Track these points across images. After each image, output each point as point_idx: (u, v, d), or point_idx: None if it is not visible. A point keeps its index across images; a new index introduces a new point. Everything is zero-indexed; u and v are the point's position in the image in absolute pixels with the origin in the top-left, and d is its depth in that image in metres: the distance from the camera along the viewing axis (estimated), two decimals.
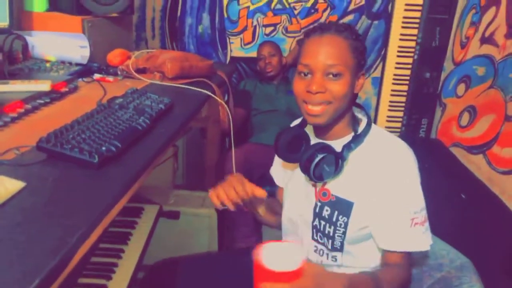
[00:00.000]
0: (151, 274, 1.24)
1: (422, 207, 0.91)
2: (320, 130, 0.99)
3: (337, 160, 0.89)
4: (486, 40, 2.05)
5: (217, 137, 1.96)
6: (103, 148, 0.81)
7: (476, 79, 2.11)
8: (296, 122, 1.09)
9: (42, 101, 1.08)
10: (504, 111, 1.82)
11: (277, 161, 1.14)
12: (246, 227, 2.02)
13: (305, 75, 0.90)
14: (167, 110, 1.14)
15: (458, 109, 2.26)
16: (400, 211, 0.89)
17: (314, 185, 0.98)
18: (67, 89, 1.21)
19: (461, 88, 2.27)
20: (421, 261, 1.04)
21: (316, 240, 1.00)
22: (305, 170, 0.91)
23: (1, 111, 0.97)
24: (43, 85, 1.12)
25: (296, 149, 0.99)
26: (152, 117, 1.03)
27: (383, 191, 0.90)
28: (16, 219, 0.61)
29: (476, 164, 2.01)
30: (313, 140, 1.00)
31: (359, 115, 1.01)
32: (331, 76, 0.88)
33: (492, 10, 2.01)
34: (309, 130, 1.03)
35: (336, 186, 0.95)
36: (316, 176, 0.90)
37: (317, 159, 0.88)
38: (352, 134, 0.96)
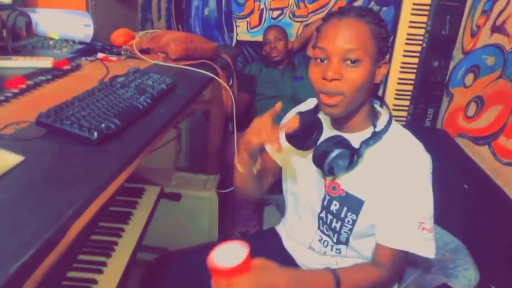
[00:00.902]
0: (151, 270, 1.24)
1: (431, 216, 0.88)
2: (337, 121, 0.94)
3: (353, 156, 0.86)
4: (497, 29, 2.01)
5: (220, 121, 1.95)
6: (103, 125, 0.81)
7: (485, 69, 2.08)
8: (307, 105, 1.04)
9: (44, 78, 1.07)
10: None
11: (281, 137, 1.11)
12: (246, 211, 2.03)
13: (321, 60, 0.85)
14: (169, 90, 1.13)
15: (466, 99, 2.23)
16: (409, 213, 0.87)
17: (324, 177, 0.95)
18: (69, 67, 1.20)
19: (469, 78, 2.24)
20: None
21: (322, 231, 0.99)
22: (318, 163, 0.88)
23: (2, 87, 0.96)
24: (45, 62, 1.12)
25: (307, 136, 0.93)
26: (154, 97, 1.02)
27: (396, 192, 0.87)
28: (13, 192, 0.61)
29: (481, 155, 1.99)
30: (328, 130, 0.96)
31: (378, 107, 0.96)
32: (349, 62, 0.82)
33: None
34: (324, 117, 0.97)
35: (347, 181, 0.92)
36: (330, 172, 0.87)
37: (333, 155, 0.84)
38: (370, 128, 0.91)
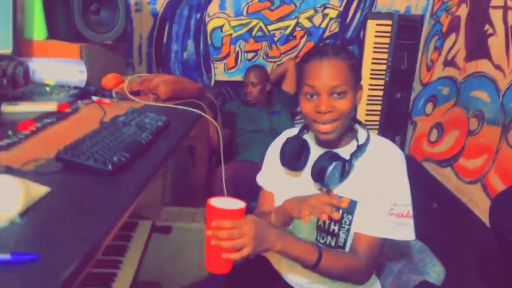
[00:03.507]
0: None
1: (404, 203, 1.00)
2: (326, 141, 1.07)
3: (345, 167, 0.99)
4: (449, 63, 2.26)
5: (205, 155, 2.06)
6: (115, 158, 0.91)
7: (442, 98, 2.32)
8: (289, 133, 1.17)
9: (49, 120, 1.17)
10: (467, 126, 2.01)
11: (268, 168, 1.20)
12: None
13: (311, 96, 1.00)
14: (165, 127, 1.25)
15: (428, 126, 2.45)
16: (381, 200, 0.99)
17: (320, 189, 1.06)
18: (70, 110, 1.31)
19: (429, 107, 2.47)
20: (387, 251, 1.16)
21: (318, 241, 1.08)
22: (318, 178, 1.00)
23: (15, 129, 1.06)
24: (51, 106, 1.22)
25: (297, 157, 1.07)
26: (153, 133, 1.14)
27: (376, 185, 1.00)
28: (49, 217, 0.70)
29: (445, 176, 2.18)
30: (315, 148, 1.09)
31: (353, 125, 1.11)
32: (335, 95, 0.98)
33: (453, 36, 2.24)
34: (309, 138, 1.12)
35: (341, 189, 1.04)
36: (327, 182, 0.99)
37: (330, 168, 0.97)
38: (354, 142, 1.06)
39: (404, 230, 1.00)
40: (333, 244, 1.05)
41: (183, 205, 2.01)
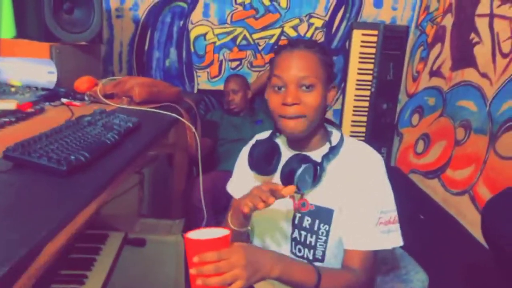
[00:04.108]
0: None
1: (390, 210, 0.94)
2: (295, 142, 1.01)
3: (316, 170, 0.91)
4: (434, 73, 2.23)
5: (184, 164, 1.97)
6: (72, 157, 0.82)
7: (428, 109, 2.28)
8: (262, 135, 1.10)
9: (7, 119, 1.07)
10: (453, 136, 1.97)
11: (238, 175, 1.13)
12: None
13: (279, 88, 0.94)
14: (136, 129, 1.16)
15: (414, 138, 2.40)
16: (367, 210, 0.92)
17: (292, 197, 0.99)
18: (33, 110, 1.21)
19: (415, 118, 2.43)
20: None
21: (294, 254, 1.00)
22: (287, 182, 0.91)
23: None
24: (9, 104, 1.13)
25: (268, 161, 0.99)
26: (121, 133, 1.05)
27: (357, 194, 0.93)
28: None
29: (432, 188, 2.12)
30: (287, 152, 1.02)
31: (329, 128, 1.04)
32: (304, 88, 0.92)
33: (438, 46, 2.22)
34: (281, 141, 1.04)
35: (314, 196, 0.97)
36: (299, 188, 0.90)
37: (300, 170, 0.89)
38: (326, 145, 0.99)
39: (392, 237, 0.93)
40: (310, 257, 0.97)
41: (161, 217, 1.91)
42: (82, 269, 1.28)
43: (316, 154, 0.96)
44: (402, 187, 2.35)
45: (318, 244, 0.96)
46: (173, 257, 1.73)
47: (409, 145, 2.47)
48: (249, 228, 0.97)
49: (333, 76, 0.99)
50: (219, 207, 1.97)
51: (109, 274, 1.30)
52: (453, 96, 2.03)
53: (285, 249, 1.02)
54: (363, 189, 0.93)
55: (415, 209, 2.01)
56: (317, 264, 0.96)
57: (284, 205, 1.00)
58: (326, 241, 0.95)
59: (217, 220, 1.95)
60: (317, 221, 0.95)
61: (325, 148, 0.98)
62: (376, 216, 0.92)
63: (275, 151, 1.01)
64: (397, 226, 0.94)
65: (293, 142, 1.02)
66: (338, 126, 1.04)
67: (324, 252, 0.96)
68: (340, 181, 0.95)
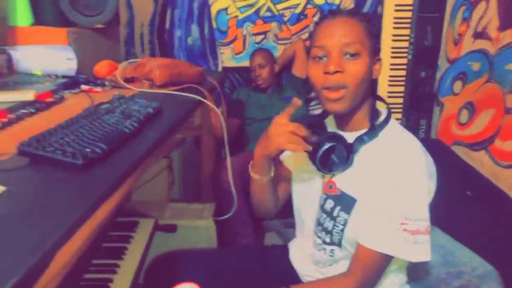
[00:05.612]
0: (154, 266, 1.18)
1: (420, 218, 0.82)
2: (341, 121, 0.94)
3: (347, 152, 0.84)
4: (479, 35, 2.03)
5: (211, 146, 1.91)
6: (88, 150, 0.76)
7: (472, 75, 2.09)
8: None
9: (26, 111, 1.03)
10: (503, 104, 1.79)
11: None
12: (246, 239, 1.96)
13: (320, 58, 0.85)
14: (156, 114, 1.09)
15: (456, 107, 2.23)
16: (390, 212, 0.83)
17: (323, 177, 0.94)
18: (52, 100, 1.17)
19: (457, 85, 2.25)
20: (439, 268, 0.97)
21: (316, 234, 0.96)
22: (311, 158, 0.86)
23: None
24: (27, 95, 1.08)
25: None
26: (140, 121, 0.98)
27: (383, 191, 0.84)
28: None
29: (479, 161, 1.97)
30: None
31: (380, 108, 0.95)
32: (348, 56, 0.83)
33: (482, 4, 2.00)
34: (329, 121, 0.98)
35: (343, 180, 0.90)
36: (323, 166, 0.85)
37: (324, 148, 0.83)
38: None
39: (420, 249, 0.82)
40: (328, 241, 0.92)
41: (193, 201, 1.87)
42: (114, 258, 1.27)
43: (356, 135, 0.87)
44: (445, 160, 2.20)
45: (334, 231, 0.90)
46: (205, 241, 1.70)
47: (451, 115, 2.29)
48: (272, 174, 0.98)
49: (378, 46, 0.89)
50: (248, 188, 1.91)
51: (141, 262, 1.29)
52: (501, 59, 1.83)
53: (310, 228, 0.98)
54: (389, 185, 0.83)
55: (460, 184, 1.87)
56: (334, 247, 0.92)
57: (318, 184, 0.96)
58: (343, 230, 0.88)
59: (247, 202, 1.90)
60: (338, 208, 0.89)
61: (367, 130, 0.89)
62: (397, 220, 0.82)
63: (319, 129, 0.93)
64: (427, 238, 0.83)
65: (339, 120, 0.95)
66: (388, 104, 0.93)
67: (340, 240, 0.90)
68: (371, 169, 0.86)
